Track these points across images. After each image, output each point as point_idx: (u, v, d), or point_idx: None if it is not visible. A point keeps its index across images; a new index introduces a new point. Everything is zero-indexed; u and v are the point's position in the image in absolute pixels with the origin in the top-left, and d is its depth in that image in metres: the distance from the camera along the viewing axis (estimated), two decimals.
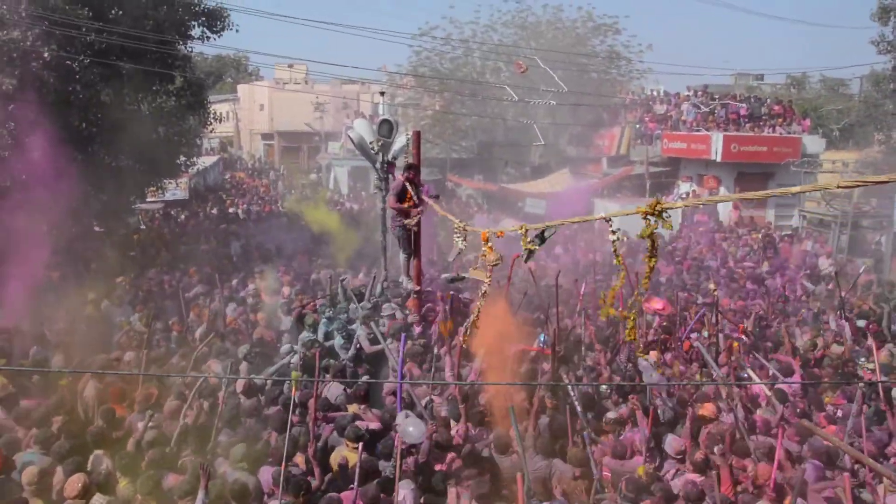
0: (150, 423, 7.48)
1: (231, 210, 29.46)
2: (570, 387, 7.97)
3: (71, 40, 17.25)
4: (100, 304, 13.01)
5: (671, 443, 7.39)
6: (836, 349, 10.60)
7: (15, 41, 15.36)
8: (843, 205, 21.77)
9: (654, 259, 5.20)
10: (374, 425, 7.97)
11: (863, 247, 21.62)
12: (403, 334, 8.99)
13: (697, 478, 6.68)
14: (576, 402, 7.69)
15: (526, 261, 6.53)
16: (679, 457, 7.26)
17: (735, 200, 21.02)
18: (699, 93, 32.96)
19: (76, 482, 6.19)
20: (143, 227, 23.73)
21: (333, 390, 8.68)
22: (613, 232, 5.59)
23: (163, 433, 7.49)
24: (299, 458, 7.31)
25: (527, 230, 6.36)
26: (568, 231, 21.09)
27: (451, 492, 6.62)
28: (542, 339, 10.07)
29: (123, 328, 11.42)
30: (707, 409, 8.02)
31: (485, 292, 7.34)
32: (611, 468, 7.16)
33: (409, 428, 6.96)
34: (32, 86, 15.79)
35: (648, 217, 4.77)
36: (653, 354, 10.02)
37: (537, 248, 6.34)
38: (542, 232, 6.33)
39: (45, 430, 7.41)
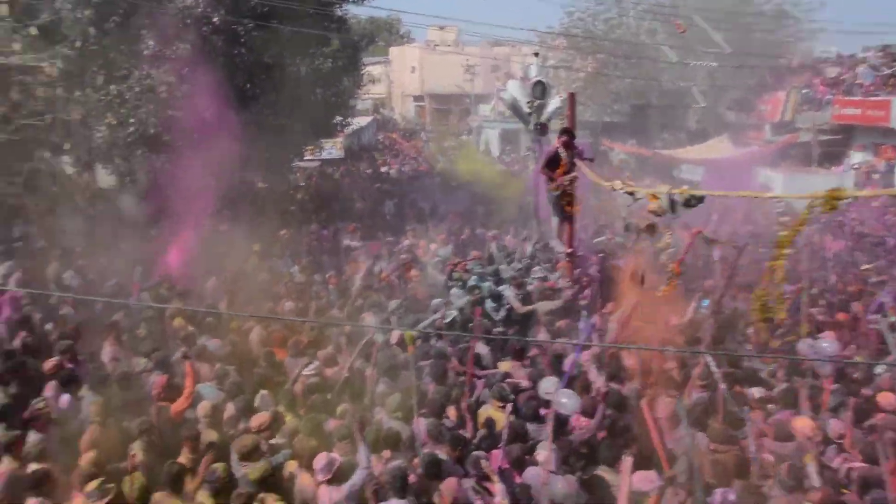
0: (310, 371, 7.85)
1: (384, 170, 30.17)
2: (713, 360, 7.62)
3: (237, 6, 18.07)
4: (263, 255, 13.71)
5: (832, 426, 6.95)
6: None
7: (189, 8, 16.26)
8: None
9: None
10: (525, 384, 8.00)
11: None
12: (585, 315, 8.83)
13: (864, 466, 6.26)
14: (718, 377, 7.33)
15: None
16: (840, 441, 6.83)
17: None
18: (879, 53, 30.38)
19: (263, 417, 6.60)
20: (301, 184, 24.74)
21: (481, 349, 8.76)
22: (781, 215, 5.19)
23: (323, 380, 7.83)
24: (451, 412, 7.45)
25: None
26: (727, 200, 20.12)
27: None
28: (704, 303, 9.75)
29: (285, 279, 11.95)
30: (888, 399, 7.43)
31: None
32: (770, 450, 6.82)
33: (563, 399, 6.87)
34: (203, 50, 16.68)
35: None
36: (829, 335, 9.36)
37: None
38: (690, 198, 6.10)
39: (221, 367, 7.95)
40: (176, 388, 7.35)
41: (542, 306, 10.05)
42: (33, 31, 16.53)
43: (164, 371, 7.86)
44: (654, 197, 6.68)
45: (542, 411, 7.05)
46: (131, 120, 16.33)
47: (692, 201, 6.17)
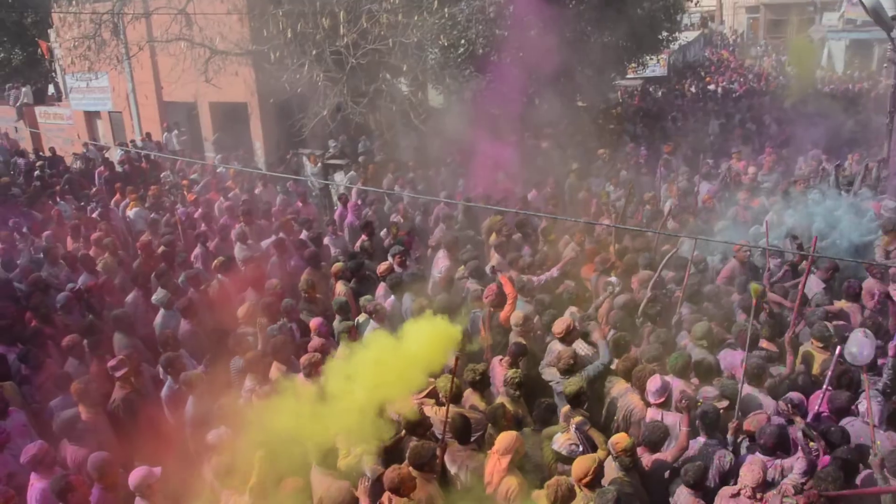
0: (617, 288, 7.88)
1: (711, 87, 28.53)
2: None
3: None
4: (582, 174, 13.83)
5: None
6: None
7: None
8: None
9: None
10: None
11: None
12: None
13: None
14: None
15: None
16: None
17: None
18: None
19: (564, 322, 6.82)
20: (621, 102, 24.32)
21: (814, 283, 8.10)
22: None
23: (633, 298, 7.81)
24: (764, 345, 7.06)
25: None
26: None
27: None
28: None
29: (602, 199, 11.96)
30: None
31: None
32: None
33: (853, 349, 6.08)
34: None
35: None
36: None
37: None
38: None
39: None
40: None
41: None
42: None
43: (479, 279, 8.42)
44: None
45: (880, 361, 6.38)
46: (462, 41, 17.05)
47: None
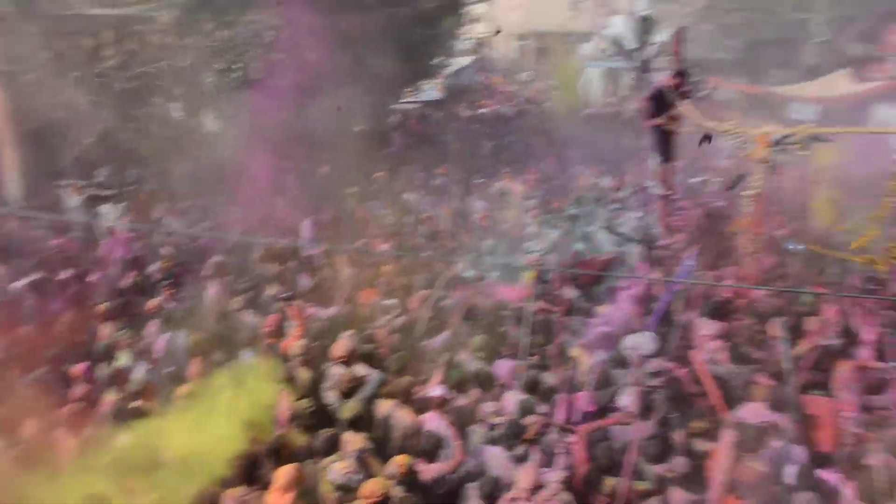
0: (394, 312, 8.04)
1: (484, 111, 29.86)
2: None
3: None
4: (358, 197, 13.94)
5: None
6: None
7: None
8: None
9: None
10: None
11: None
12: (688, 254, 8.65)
13: None
14: None
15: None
16: None
17: None
18: None
19: (343, 345, 6.82)
20: (398, 126, 24.78)
21: (569, 291, 8.74)
22: None
23: (410, 320, 7.99)
24: (537, 354, 7.51)
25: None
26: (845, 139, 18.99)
27: None
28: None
29: (379, 220, 12.14)
30: None
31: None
32: None
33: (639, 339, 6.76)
34: None
35: None
36: None
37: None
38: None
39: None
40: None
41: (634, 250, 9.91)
42: None
43: (256, 310, 8.24)
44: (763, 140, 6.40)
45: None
46: (238, 65, 16.73)
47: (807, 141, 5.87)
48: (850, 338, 7.60)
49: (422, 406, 6.39)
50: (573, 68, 37.63)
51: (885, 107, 25.25)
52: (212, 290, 9.24)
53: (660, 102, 10.02)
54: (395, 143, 21.23)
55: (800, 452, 5.84)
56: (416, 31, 21.05)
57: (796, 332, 7.40)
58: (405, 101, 26.63)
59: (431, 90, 28.26)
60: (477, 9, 34.87)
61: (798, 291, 8.45)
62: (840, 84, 27.17)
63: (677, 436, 6.14)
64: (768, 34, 33.64)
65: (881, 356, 7.19)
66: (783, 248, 9.92)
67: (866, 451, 5.66)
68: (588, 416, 6.43)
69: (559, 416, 6.35)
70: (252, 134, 15.28)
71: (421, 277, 9.12)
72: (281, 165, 14.28)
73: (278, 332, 7.56)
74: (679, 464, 5.77)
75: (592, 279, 9.26)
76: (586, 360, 7.22)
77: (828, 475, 5.61)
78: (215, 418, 5.38)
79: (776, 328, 7.27)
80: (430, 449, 5.70)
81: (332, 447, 5.88)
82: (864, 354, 7.18)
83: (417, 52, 21.28)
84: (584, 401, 6.51)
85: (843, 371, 6.85)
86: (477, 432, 6.14)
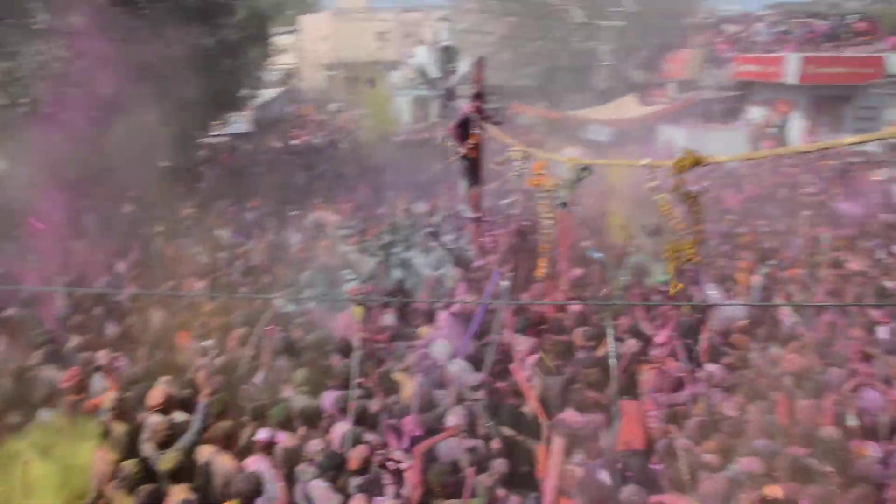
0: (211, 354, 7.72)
1: (295, 142, 29.66)
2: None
3: None
4: (167, 236, 13.31)
5: None
6: None
7: None
8: None
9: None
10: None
11: None
12: (496, 271, 8.90)
13: None
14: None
15: (563, 206, 6.39)
16: None
17: (781, 154, 20.08)
18: (775, 11, 31.36)
19: (160, 393, 6.45)
20: (207, 160, 24.05)
21: (388, 317, 8.82)
22: (652, 182, 5.20)
23: (231, 359, 7.72)
24: (364, 382, 7.46)
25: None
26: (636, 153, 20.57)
27: None
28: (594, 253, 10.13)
29: (190, 259, 11.67)
30: None
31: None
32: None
33: (455, 367, 6.95)
34: (98, 21, 15.94)
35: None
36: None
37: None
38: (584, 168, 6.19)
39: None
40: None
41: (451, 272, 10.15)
42: None
43: (56, 363, 7.65)
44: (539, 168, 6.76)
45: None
46: (24, 99, 15.59)
47: (582, 174, 6.23)
48: (649, 343, 8.23)
49: (246, 449, 6.18)
50: (383, 97, 38.25)
51: (668, 127, 27.73)
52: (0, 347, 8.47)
53: (465, 128, 10.37)
54: (204, 177, 20.55)
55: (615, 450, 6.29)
56: (221, 61, 20.58)
57: (600, 340, 7.92)
58: (214, 133, 25.92)
59: (240, 122, 27.71)
60: (283, 39, 34.77)
61: (597, 303, 9.00)
62: (629, 107, 29.51)
63: (503, 446, 6.38)
64: (563, 62, 35.91)
65: (676, 357, 7.84)
66: (588, 258, 10.59)
67: (671, 443, 6.16)
68: (416, 440, 6.48)
69: (387, 442, 6.36)
70: (43, 173, 14.25)
71: (239, 315, 8.84)
72: (78, 205, 13.39)
73: (80, 387, 7.02)
74: (500, 468, 5.97)
75: (413, 304, 9.41)
76: (410, 384, 7.28)
77: (643, 467, 6.10)
78: (16, 490, 4.89)
79: (578, 338, 7.77)
80: (251, 493, 5.51)
81: (157, 502, 5.55)
82: (660, 356, 7.80)
83: (223, 83, 20.80)
84: (410, 425, 6.56)
85: (646, 374, 7.44)
86: (305, 470, 6.00)
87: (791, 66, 26.17)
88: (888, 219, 14.32)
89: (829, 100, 26.94)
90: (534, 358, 7.68)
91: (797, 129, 27.14)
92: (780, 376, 7.29)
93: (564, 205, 6.72)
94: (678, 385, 7.32)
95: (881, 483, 5.73)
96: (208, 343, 7.99)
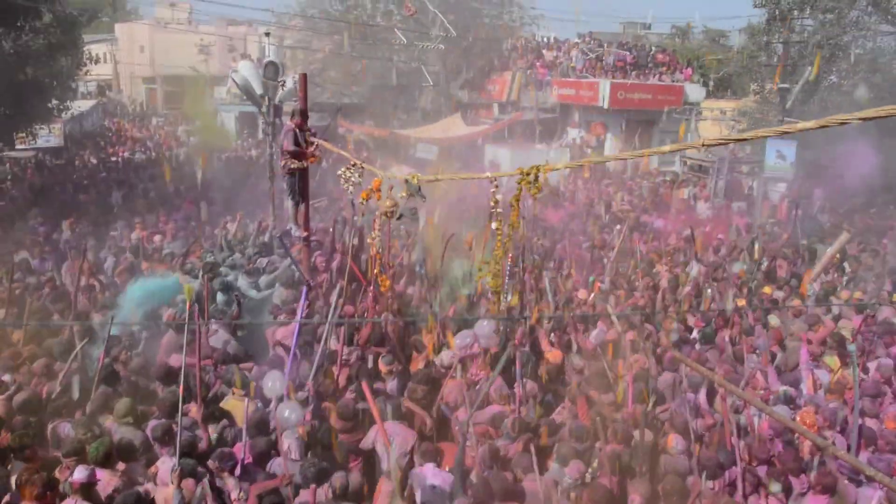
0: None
1: (112, 158, 28.07)
2: None
3: None
4: None
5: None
6: None
7: None
8: (720, 152, 22.60)
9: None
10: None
11: (738, 191, 22.68)
12: (304, 288, 8.77)
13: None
14: None
15: (398, 218, 6.51)
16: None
17: (603, 161, 21.95)
18: (588, 40, 33.44)
19: None
20: (10, 176, 22.27)
21: (216, 341, 8.57)
22: (496, 197, 5.49)
23: (36, 394, 7.13)
24: (192, 409, 7.14)
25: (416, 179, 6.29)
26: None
27: None
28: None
29: None
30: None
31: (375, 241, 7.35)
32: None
33: (286, 412, 6.79)
34: None
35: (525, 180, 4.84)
36: None
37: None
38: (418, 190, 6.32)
39: None
40: None
41: (278, 293, 10.00)
42: None
43: None
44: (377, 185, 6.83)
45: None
46: None
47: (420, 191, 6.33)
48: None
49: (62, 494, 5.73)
50: (206, 112, 37.14)
51: (492, 146, 28.88)
52: None
53: (291, 145, 10.17)
54: (5, 194, 19.01)
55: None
56: (24, 70, 19.19)
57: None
58: (21, 147, 24.07)
59: (50, 136, 25.89)
60: (97, 49, 32.92)
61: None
62: (455, 126, 30.38)
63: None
64: (389, 81, 36.42)
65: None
66: (416, 273, 10.80)
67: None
68: (247, 468, 6.30)
69: (218, 471, 6.10)
70: None
71: (50, 345, 8.22)
72: None
73: None
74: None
75: (243, 326, 9.18)
76: (241, 409, 7.08)
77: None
78: None
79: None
80: None
81: None
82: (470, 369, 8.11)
83: (29, 92, 19.41)
84: (241, 451, 6.36)
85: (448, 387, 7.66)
86: None
87: (603, 91, 28.07)
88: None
89: (638, 123, 29.18)
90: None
91: (612, 148, 29.15)
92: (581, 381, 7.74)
93: (400, 217, 6.79)
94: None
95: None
96: (6, 377, 7.35)
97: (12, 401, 6.87)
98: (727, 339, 9.35)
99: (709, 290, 10.93)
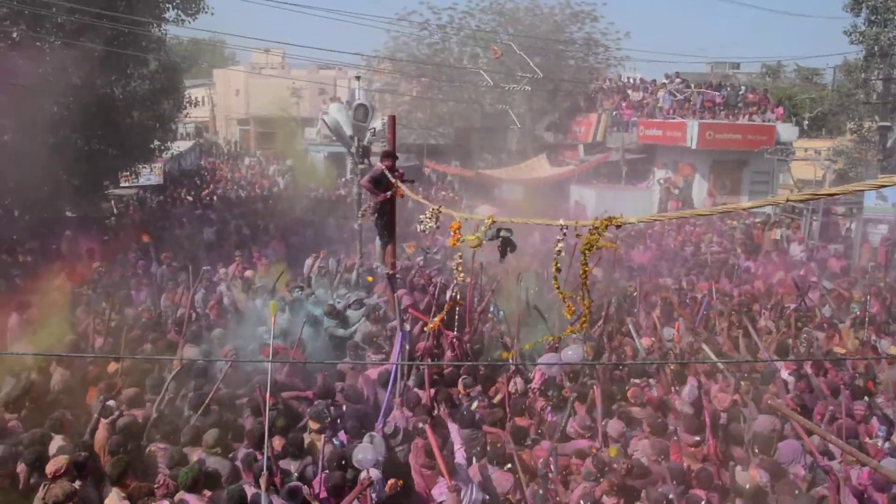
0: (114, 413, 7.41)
1: (206, 196, 29.21)
2: None
3: (41, 20, 16.99)
4: (66, 289, 12.76)
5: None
6: None
7: None
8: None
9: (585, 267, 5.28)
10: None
11: (834, 233, 21.85)
12: (400, 332, 8.88)
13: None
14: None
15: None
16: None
17: (689, 216, 21.32)
18: (675, 80, 33.08)
19: (59, 462, 6.15)
20: (115, 212, 23.46)
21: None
22: (559, 242, 5.49)
23: (135, 419, 7.41)
24: (277, 442, 7.28)
25: (493, 221, 6.32)
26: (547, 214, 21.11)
27: None
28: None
29: (97, 315, 11.23)
30: None
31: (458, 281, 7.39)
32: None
33: (360, 455, 6.80)
34: (0, 68, 15.51)
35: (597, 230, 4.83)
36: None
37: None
38: (499, 230, 6.32)
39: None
40: None
41: (363, 329, 10.14)
42: None
43: None
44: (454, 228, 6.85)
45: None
46: None
47: (500, 232, 6.34)
48: None
49: None
50: (298, 153, 38.27)
51: (578, 187, 28.74)
52: None
53: (379, 185, 10.35)
54: (111, 229, 19.98)
55: None
56: (130, 113, 20.28)
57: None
58: (125, 185, 25.35)
59: (151, 174, 27.19)
60: (196, 93, 34.51)
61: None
62: (540, 167, 30.41)
63: None
64: (475, 123, 36.83)
65: None
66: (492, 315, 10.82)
67: None
68: (324, 501, 6.36)
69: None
70: None
71: (147, 373, 8.55)
72: None
73: None
74: None
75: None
76: (321, 444, 7.17)
77: None
78: None
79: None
80: None
81: None
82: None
83: (133, 135, 20.47)
84: (318, 485, 6.43)
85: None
86: None
87: (691, 132, 27.61)
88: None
89: (728, 164, 28.54)
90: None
91: (700, 190, 28.57)
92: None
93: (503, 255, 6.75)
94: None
95: None
96: (112, 403, 7.67)
97: (115, 425, 7.15)
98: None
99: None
